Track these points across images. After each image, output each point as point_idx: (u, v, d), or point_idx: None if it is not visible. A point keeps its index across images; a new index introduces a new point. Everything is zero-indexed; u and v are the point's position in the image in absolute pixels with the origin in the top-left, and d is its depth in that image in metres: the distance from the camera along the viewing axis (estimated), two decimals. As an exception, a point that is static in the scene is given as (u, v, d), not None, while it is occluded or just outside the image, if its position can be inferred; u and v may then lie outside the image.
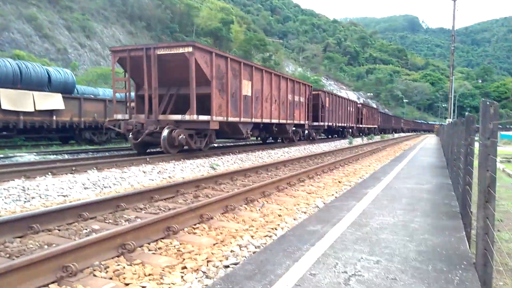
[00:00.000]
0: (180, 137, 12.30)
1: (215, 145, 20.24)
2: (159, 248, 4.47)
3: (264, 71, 16.70)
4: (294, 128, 21.31)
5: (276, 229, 5.26)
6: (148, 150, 14.72)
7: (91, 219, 5.58)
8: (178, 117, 12.51)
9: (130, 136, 12.95)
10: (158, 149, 15.35)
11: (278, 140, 22.42)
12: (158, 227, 4.83)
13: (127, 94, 13.40)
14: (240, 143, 22.20)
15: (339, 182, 9.62)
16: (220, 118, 13.51)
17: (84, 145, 19.44)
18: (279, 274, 3.41)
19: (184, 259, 4.15)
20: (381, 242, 4.37)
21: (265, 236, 4.94)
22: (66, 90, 19.07)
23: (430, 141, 34.44)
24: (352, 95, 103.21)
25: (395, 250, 4.12)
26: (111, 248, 4.21)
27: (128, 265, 4.00)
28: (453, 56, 37.73)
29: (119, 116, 13.53)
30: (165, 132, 12.19)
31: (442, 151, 18.26)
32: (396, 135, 54.63)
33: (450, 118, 33.05)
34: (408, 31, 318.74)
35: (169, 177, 9.73)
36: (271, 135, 19.68)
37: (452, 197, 7.00)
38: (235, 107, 14.54)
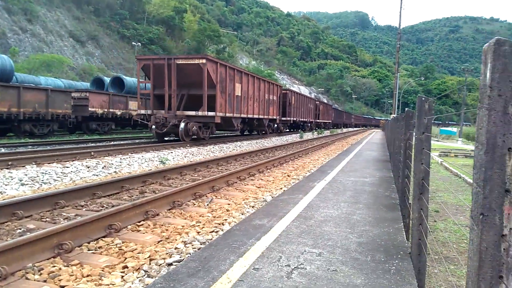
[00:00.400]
0: (194, 128, 16.31)
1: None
2: (100, 248, 4.31)
3: (249, 75, 20.95)
4: (268, 122, 25.52)
5: (223, 224, 5.19)
6: (167, 138, 18.60)
7: (27, 217, 5.28)
8: (192, 112, 16.44)
9: (154, 127, 16.56)
10: (172, 138, 19.21)
11: (254, 132, 26.35)
12: (99, 225, 4.65)
13: (152, 93, 17.02)
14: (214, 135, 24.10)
15: (288, 176, 9.66)
16: (221, 114, 17.41)
17: (24, 138, 18.48)
18: (223, 270, 3.38)
19: (125, 258, 4.02)
20: (325, 234, 4.39)
21: (212, 231, 4.86)
22: (2, 77, 17.96)
23: (376, 136, 35.49)
24: (304, 90, 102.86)
25: (337, 242, 4.18)
26: (47, 249, 4.00)
27: (64, 266, 3.83)
28: (398, 54, 38.60)
29: (143, 111, 17.29)
30: (182, 125, 16.06)
31: (386, 145, 18.56)
32: (345, 130, 55.09)
33: (394, 113, 34.17)
34: (358, 27, 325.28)
35: (115, 172, 9.45)
36: (252, 128, 23.96)
37: (393, 190, 7.21)
38: (230, 105, 18.42)
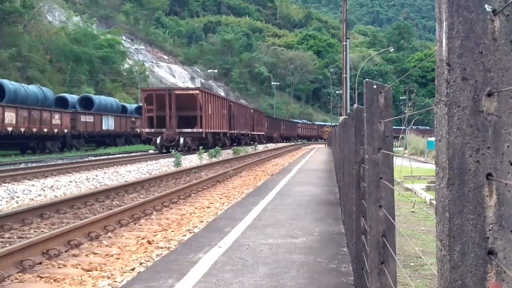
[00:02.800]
0: (190, 141, 29.25)
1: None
2: None
3: (218, 97, 35.64)
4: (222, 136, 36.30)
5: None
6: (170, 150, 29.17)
7: None
8: (188, 130, 29.52)
9: (158, 142, 29.37)
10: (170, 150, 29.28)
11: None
12: None
13: (155, 115, 29.39)
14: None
15: (149, 242, 7.14)
16: (208, 130, 31.07)
17: None
18: None
19: None
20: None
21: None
22: None
23: (317, 156, 30.91)
24: (181, 72, 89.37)
25: None
26: None
27: None
28: (346, 3, 28.37)
29: (147, 130, 29.91)
30: (181, 140, 28.92)
31: (335, 173, 15.34)
32: (270, 146, 50.50)
33: (344, 113, 25.72)
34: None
35: None
36: (215, 141, 33.83)
37: (344, 257, 5.62)
38: (208, 123, 31.67)
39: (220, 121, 34.87)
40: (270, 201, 10.12)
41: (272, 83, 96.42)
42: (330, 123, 69.46)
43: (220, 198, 11.92)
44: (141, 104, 34.47)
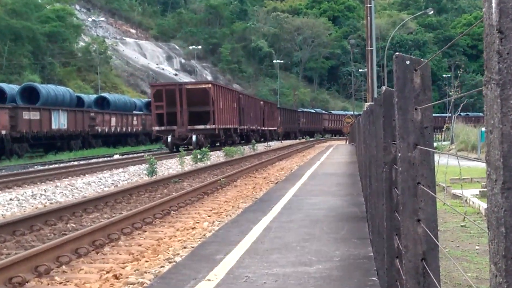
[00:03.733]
0: (203, 139, 35.47)
1: None
2: None
3: (228, 89, 44.23)
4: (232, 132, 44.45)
5: None
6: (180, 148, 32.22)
7: None
8: (201, 126, 36.47)
9: (170, 140, 35.88)
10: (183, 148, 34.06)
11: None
12: None
13: (165, 112, 36.45)
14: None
15: (116, 277, 7.27)
16: (219, 126, 38.14)
17: None
18: None
19: None
20: None
21: None
22: None
23: (335, 156, 31.05)
24: (154, 51, 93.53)
25: None
26: None
27: None
28: None
29: (157, 128, 37.02)
30: (194, 138, 35.51)
31: (360, 178, 15.63)
32: (285, 143, 53.68)
33: (369, 99, 26.48)
34: None
35: None
36: (226, 138, 41.77)
37: None
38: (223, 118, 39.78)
39: (231, 116, 42.85)
40: (275, 217, 10.26)
41: (275, 61, 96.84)
42: (352, 113, 69.71)
43: (209, 216, 12.10)
44: (103, 94, 40.82)
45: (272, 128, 60.25)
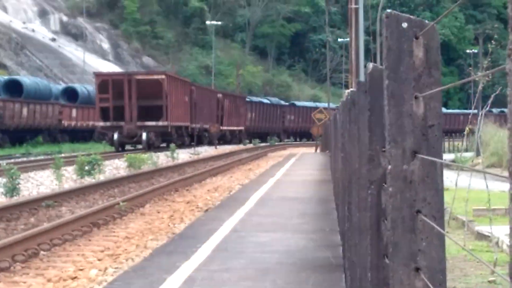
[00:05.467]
0: (154, 137, 52.19)
1: None
2: None
3: (180, 80, 60.69)
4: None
5: None
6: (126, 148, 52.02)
7: None
8: (153, 123, 50.94)
9: (116, 138, 49.56)
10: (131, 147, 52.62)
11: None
12: None
13: (111, 106, 50.20)
14: None
15: None
16: (172, 123, 55.66)
17: None
18: None
19: None
20: None
21: None
22: None
23: (300, 171, 31.24)
24: (19, 2, 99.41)
25: None
26: None
27: None
28: None
29: (101, 124, 51.35)
30: (144, 136, 49.89)
31: (335, 206, 16.26)
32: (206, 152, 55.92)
33: (352, 84, 27.91)
34: None
35: None
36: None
37: None
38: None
39: (182, 112, 55.86)
40: (202, 264, 10.53)
41: (208, 22, 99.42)
42: (326, 105, 70.74)
43: (99, 260, 12.46)
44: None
45: (237, 128, 76.70)
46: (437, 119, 2.76)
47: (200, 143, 60.97)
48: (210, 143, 66.18)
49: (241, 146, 69.95)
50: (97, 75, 52.10)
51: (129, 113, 46.23)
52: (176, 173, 31.36)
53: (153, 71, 74.22)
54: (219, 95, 72.20)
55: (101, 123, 47.27)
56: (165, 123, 47.76)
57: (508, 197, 1.28)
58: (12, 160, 34.36)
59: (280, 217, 15.43)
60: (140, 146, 46.17)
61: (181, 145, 53.42)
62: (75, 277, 10.59)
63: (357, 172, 6.07)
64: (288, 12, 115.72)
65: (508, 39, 1.23)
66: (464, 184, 12.93)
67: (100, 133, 50.11)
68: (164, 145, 56.25)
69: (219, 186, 25.78)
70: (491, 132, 32.91)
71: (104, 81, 47.33)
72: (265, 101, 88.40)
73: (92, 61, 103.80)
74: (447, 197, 3.84)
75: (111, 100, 46.70)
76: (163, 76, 49.56)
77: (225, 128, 71.70)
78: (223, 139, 71.01)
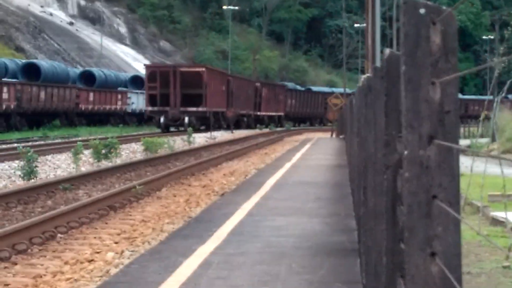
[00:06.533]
0: (195, 121, 69.64)
1: None
2: None
3: (219, 72, 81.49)
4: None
5: None
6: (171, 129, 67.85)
7: None
8: (194, 109, 67.83)
9: (162, 121, 65.36)
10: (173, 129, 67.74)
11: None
12: None
13: (158, 94, 68.16)
14: None
15: None
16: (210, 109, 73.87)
17: None
18: None
19: None
20: None
21: None
22: None
23: (315, 156, 31.48)
24: None
25: None
26: None
27: None
28: None
29: (150, 108, 68.65)
30: (186, 119, 66.72)
31: (351, 191, 16.24)
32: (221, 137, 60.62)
33: (368, 69, 27.96)
34: None
35: None
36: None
37: None
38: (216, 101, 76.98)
39: (219, 99, 68.93)
40: (218, 247, 10.57)
41: (225, 7, 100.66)
42: (342, 90, 70.64)
43: (116, 243, 12.50)
44: None
45: (276, 114, 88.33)
46: (454, 104, 2.74)
47: (238, 127, 73.77)
48: (228, 127, 73.13)
49: (257, 131, 75.24)
50: (147, 66, 67.13)
51: (173, 100, 59.16)
52: (192, 157, 32.00)
53: (195, 64, 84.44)
54: (257, 84, 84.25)
55: (149, 108, 60.90)
56: (204, 109, 61.09)
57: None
58: (30, 143, 34.84)
59: (296, 201, 15.53)
60: (182, 128, 57.38)
61: (219, 127, 65.58)
62: (92, 260, 10.65)
63: (372, 157, 6.04)
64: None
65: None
66: (479, 170, 12.86)
67: (148, 117, 64.31)
68: (203, 127, 67.40)
69: (235, 170, 26.03)
70: (507, 118, 32.59)
71: (152, 72, 61.31)
72: (302, 89, 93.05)
73: (109, 45, 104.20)
74: (462, 183, 3.88)
75: (159, 88, 60.33)
76: (203, 69, 63.12)
77: (262, 113, 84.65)
78: (261, 122, 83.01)
